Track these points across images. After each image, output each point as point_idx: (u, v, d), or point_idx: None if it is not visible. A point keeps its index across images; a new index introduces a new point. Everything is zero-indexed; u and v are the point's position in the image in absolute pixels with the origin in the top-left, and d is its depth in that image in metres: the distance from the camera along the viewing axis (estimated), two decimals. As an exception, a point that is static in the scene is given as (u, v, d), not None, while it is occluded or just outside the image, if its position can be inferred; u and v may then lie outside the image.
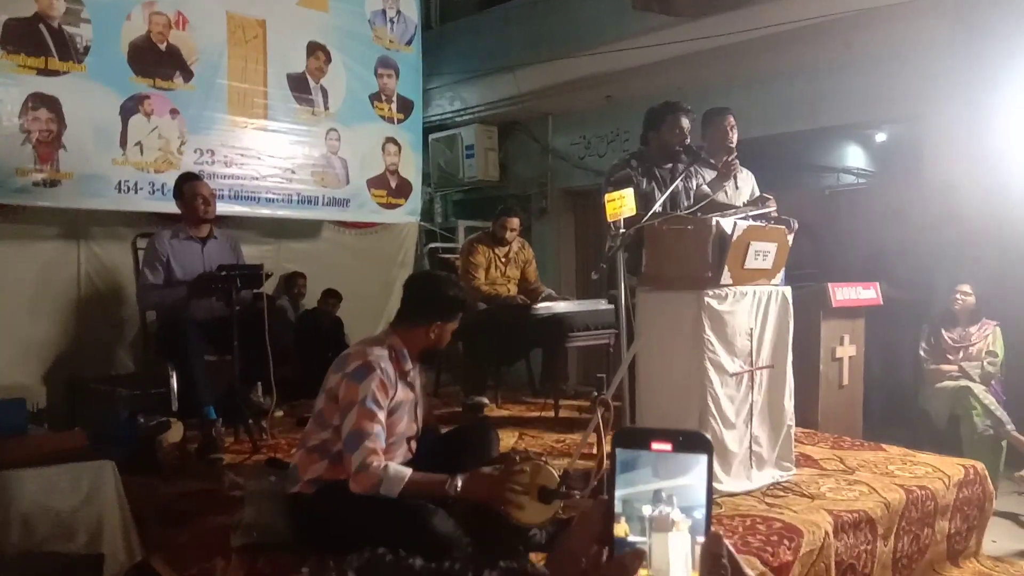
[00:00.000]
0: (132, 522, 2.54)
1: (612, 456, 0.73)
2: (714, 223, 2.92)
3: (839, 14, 4.94)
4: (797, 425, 3.39)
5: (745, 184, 4.01)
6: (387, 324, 2.64)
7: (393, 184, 6.13)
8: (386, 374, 2.35)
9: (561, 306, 4.56)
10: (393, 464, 2.27)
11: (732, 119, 3.93)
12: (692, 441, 0.73)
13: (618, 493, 0.72)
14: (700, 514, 0.72)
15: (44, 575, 2.31)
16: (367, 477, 2.21)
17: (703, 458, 0.73)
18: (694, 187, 3.85)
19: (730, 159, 3.70)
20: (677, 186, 3.64)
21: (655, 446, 0.73)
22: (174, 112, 4.86)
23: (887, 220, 5.56)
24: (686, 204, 3.67)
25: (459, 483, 2.23)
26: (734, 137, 3.91)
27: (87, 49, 4.50)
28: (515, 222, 4.82)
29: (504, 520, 2.22)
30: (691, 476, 0.73)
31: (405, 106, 6.19)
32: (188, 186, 4.07)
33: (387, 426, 2.35)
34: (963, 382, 4.45)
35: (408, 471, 2.26)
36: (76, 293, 4.85)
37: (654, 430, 0.74)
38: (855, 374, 4.34)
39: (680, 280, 3.00)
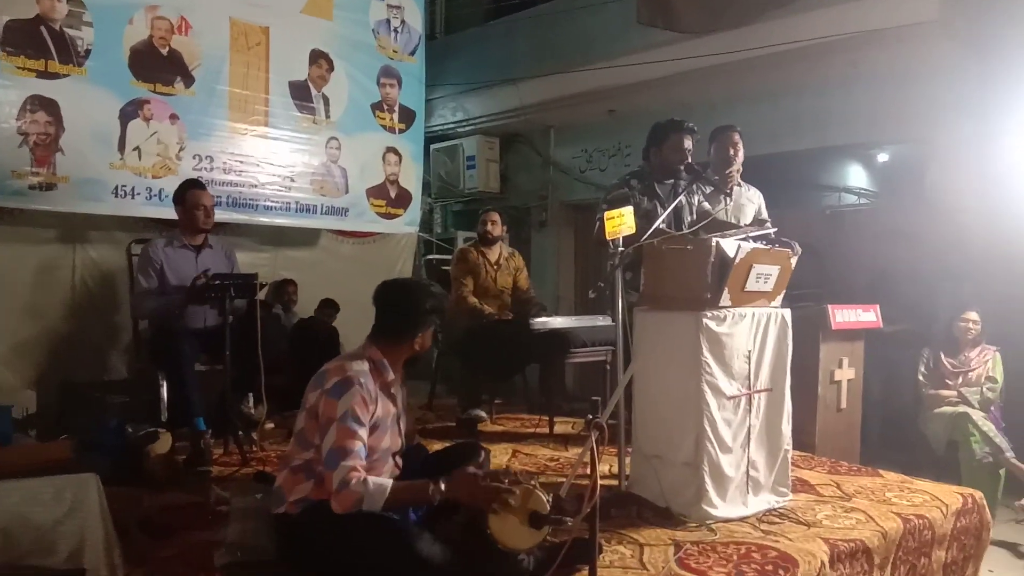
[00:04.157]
0: (116, 537, 2.48)
1: None
2: (714, 244, 2.88)
3: (847, 34, 4.92)
4: (794, 448, 3.35)
5: (749, 203, 3.99)
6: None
7: (393, 194, 6.11)
8: (366, 389, 2.30)
9: (559, 322, 4.52)
10: (373, 477, 2.22)
11: (736, 136, 3.94)
12: None
13: None
14: None
15: (23, 589, 2.26)
16: (348, 495, 2.16)
17: None
18: (696, 203, 3.84)
19: (727, 173, 3.71)
20: (680, 201, 3.63)
21: None
22: (174, 117, 4.83)
23: (889, 241, 5.54)
24: (689, 220, 3.65)
25: (442, 486, 2.20)
26: (736, 154, 3.92)
27: (88, 52, 4.48)
28: (495, 215, 4.86)
29: (492, 545, 2.17)
30: None
31: (407, 116, 6.17)
32: (191, 194, 4.03)
33: (370, 442, 2.30)
34: (962, 408, 4.41)
35: (389, 482, 2.22)
36: (71, 297, 4.81)
37: None
38: (853, 397, 4.30)
39: (678, 300, 2.97)
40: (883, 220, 6.01)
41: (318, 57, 5.56)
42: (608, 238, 3.05)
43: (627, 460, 3.22)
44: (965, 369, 4.59)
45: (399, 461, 2.52)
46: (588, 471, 2.19)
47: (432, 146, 7.79)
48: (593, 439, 2.21)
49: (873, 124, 5.59)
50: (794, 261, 3.17)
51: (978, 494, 3.36)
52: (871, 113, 5.54)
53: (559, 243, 7.77)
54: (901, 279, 5.27)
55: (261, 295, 4.14)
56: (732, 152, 3.94)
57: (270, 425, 4.18)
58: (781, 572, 2.44)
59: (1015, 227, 4.81)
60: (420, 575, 2.09)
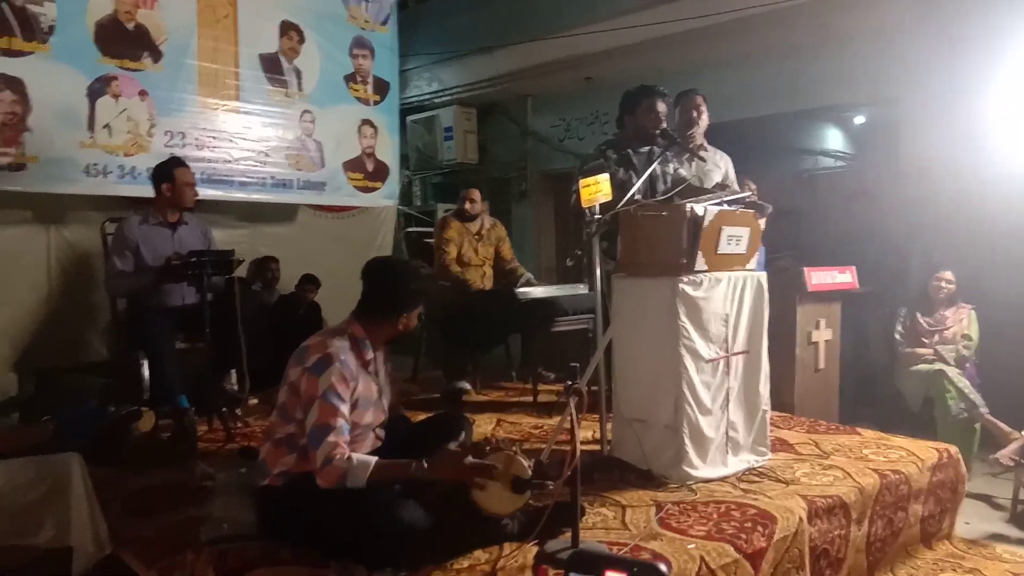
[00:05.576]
0: (101, 515, 2.49)
1: None
2: (688, 209, 2.89)
3: (818, -4, 4.92)
4: (773, 409, 3.40)
5: (716, 168, 3.99)
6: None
7: (370, 167, 6.06)
8: (346, 366, 2.31)
9: (540, 291, 4.54)
10: (357, 454, 2.24)
11: (699, 99, 3.93)
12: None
13: None
14: None
15: (9, 569, 2.26)
16: (332, 471, 2.18)
17: None
18: (671, 171, 3.85)
19: (689, 134, 3.73)
20: (655, 170, 3.64)
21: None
22: (143, 94, 4.75)
23: (861, 202, 5.58)
24: (663, 188, 3.67)
25: (425, 465, 2.22)
26: (700, 117, 3.92)
27: (51, 29, 4.38)
28: (475, 193, 4.88)
29: (475, 510, 2.20)
30: None
31: (381, 87, 6.11)
32: (180, 171, 3.99)
33: (352, 418, 2.31)
34: (938, 365, 4.47)
35: (373, 459, 2.23)
36: (46, 279, 4.75)
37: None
38: (831, 358, 4.36)
39: (655, 266, 2.99)
40: (856, 182, 6.05)
41: (288, 29, 5.48)
42: (584, 206, 3.05)
43: (608, 425, 3.26)
44: (941, 328, 4.65)
45: (380, 434, 2.53)
46: (569, 436, 2.22)
47: (408, 118, 7.73)
48: (572, 405, 2.23)
49: (844, 86, 5.62)
50: (763, 222, 3.19)
51: (953, 448, 3.43)
52: (842, 75, 5.56)
53: (539, 213, 7.77)
54: (872, 239, 5.31)
55: (240, 272, 4.12)
56: (695, 115, 3.94)
57: (254, 401, 4.19)
58: (760, 529, 2.49)
59: (983, 185, 4.87)
60: (404, 542, 2.12)
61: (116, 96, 4.64)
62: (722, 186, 3.66)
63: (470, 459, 2.22)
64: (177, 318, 3.83)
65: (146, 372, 3.77)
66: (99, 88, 4.58)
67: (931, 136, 5.17)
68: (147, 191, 4.15)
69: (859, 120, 7.85)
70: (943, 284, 4.65)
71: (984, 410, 4.27)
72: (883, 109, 6.33)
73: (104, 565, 2.44)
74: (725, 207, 3.02)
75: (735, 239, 3.01)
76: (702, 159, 3.92)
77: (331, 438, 2.20)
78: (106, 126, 4.61)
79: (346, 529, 2.17)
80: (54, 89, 4.40)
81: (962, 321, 4.64)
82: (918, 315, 4.71)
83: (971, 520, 3.63)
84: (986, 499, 3.99)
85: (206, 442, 3.57)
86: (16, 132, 4.27)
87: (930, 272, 4.73)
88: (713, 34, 5.50)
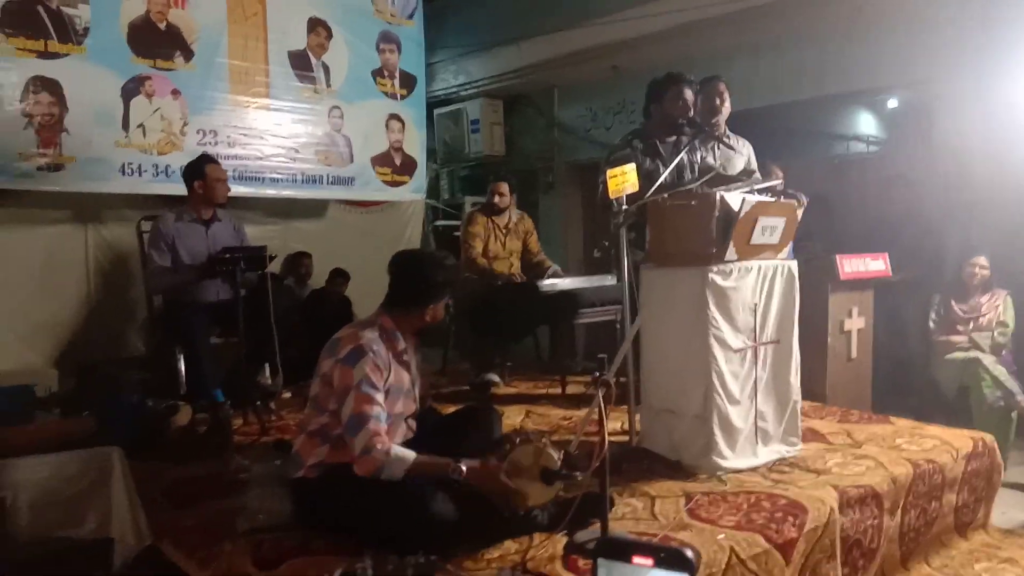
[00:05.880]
0: (140, 507, 2.56)
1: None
2: (718, 198, 2.88)
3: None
4: (805, 399, 3.37)
5: (739, 155, 3.95)
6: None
7: (398, 161, 6.10)
8: (379, 356, 2.34)
9: (567, 282, 4.55)
10: (396, 447, 2.27)
11: (721, 86, 3.88)
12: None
13: None
14: None
15: (54, 560, 2.34)
16: (371, 461, 2.22)
17: None
18: (699, 160, 3.82)
19: (713, 122, 3.73)
20: (682, 159, 3.62)
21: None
22: (175, 93, 4.83)
23: (894, 188, 5.48)
24: (689, 177, 3.64)
25: (463, 468, 2.24)
26: (723, 104, 3.87)
27: (86, 31, 4.48)
28: (504, 186, 4.86)
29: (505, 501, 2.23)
30: None
31: (408, 81, 6.14)
32: (211, 168, 4.08)
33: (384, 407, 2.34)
34: (973, 353, 4.40)
35: (412, 454, 2.26)
36: (85, 276, 4.87)
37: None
38: (864, 347, 4.30)
39: (683, 256, 2.97)
40: (889, 167, 5.93)
41: (316, 25, 5.53)
42: (611, 196, 3.05)
43: (637, 416, 3.26)
44: (976, 315, 4.57)
45: (412, 424, 2.57)
46: (597, 427, 2.23)
47: (435, 111, 7.75)
48: (600, 396, 2.24)
49: (877, 70, 5.51)
50: (800, 212, 3.16)
51: (988, 437, 3.38)
52: (875, 59, 5.46)
53: (566, 204, 7.75)
54: (906, 225, 5.22)
55: (274, 267, 4.18)
56: (718, 102, 3.88)
57: (287, 394, 4.25)
58: (791, 519, 2.48)
59: (1019, 167, 4.76)
60: (435, 533, 2.15)
61: (149, 96, 4.73)
62: (748, 173, 3.63)
63: (505, 479, 2.23)
64: (212, 314, 3.91)
65: (182, 367, 3.87)
66: (133, 88, 4.67)
67: (965, 119, 5.07)
68: (181, 189, 4.24)
69: (891, 104, 7.70)
70: (977, 270, 4.57)
71: (1021, 398, 4.20)
72: (916, 92, 6.21)
73: (144, 556, 2.52)
74: (761, 197, 2.99)
75: (769, 229, 2.98)
76: (730, 147, 3.89)
77: (370, 426, 2.24)
78: (140, 125, 4.70)
79: (379, 520, 2.20)
80: (90, 90, 4.49)
81: (997, 307, 4.56)
82: (952, 302, 4.63)
83: (1007, 510, 3.58)
84: (1023, 488, 3.93)
85: (241, 435, 3.63)
86: (54, 133, 4.38)
87: (965, 258, 4.64)
88: (742, 19, 5.43)
